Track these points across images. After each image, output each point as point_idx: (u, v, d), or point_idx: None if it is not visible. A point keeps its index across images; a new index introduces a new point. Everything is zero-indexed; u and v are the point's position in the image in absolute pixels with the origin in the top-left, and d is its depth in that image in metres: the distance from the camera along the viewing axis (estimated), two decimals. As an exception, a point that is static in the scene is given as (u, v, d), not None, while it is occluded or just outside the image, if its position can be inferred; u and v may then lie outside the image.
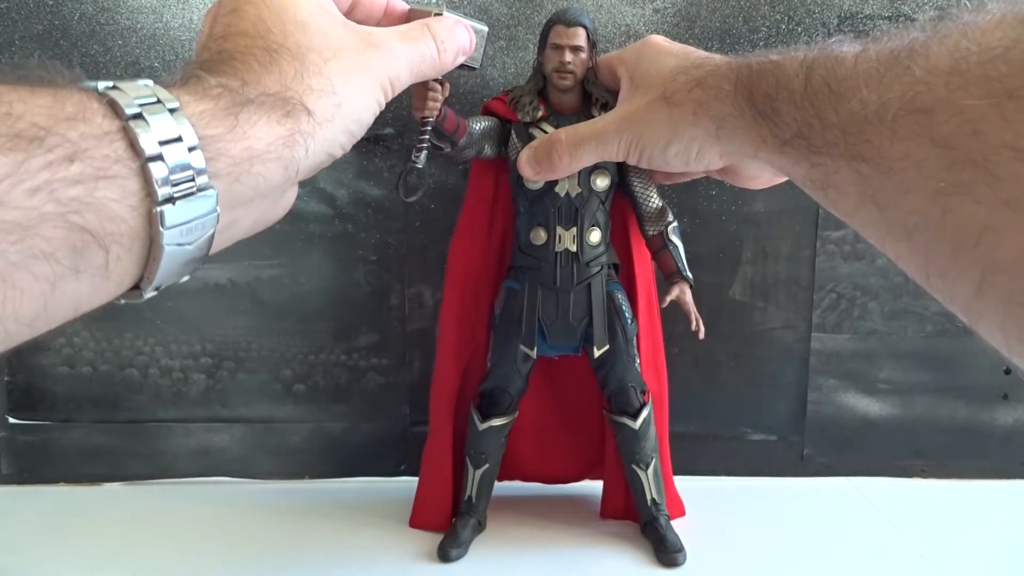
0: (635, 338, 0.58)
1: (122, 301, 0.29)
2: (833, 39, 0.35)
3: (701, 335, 0.55)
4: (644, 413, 0.57)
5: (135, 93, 0.27)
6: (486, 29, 0.49)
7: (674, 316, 0.56)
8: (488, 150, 0.56)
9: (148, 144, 0.26)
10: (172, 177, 0.26)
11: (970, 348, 0.71)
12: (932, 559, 0.57)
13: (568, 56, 0.53)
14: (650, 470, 0.58)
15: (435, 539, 0.57)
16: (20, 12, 0.65)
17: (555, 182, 0.54)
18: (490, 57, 0.66)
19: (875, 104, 0.29)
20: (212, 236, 0.29)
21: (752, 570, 0.56)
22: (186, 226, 0.27)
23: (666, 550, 0.56)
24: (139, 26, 0.66)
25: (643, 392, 0.58)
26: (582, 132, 0.48)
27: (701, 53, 0.47)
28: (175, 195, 0.26)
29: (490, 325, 0.59)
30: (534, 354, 0.56)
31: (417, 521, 0.61)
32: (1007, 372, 0.72)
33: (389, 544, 0.58)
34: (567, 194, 0.55)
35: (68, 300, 0.25)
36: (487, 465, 0.59)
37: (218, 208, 0.28)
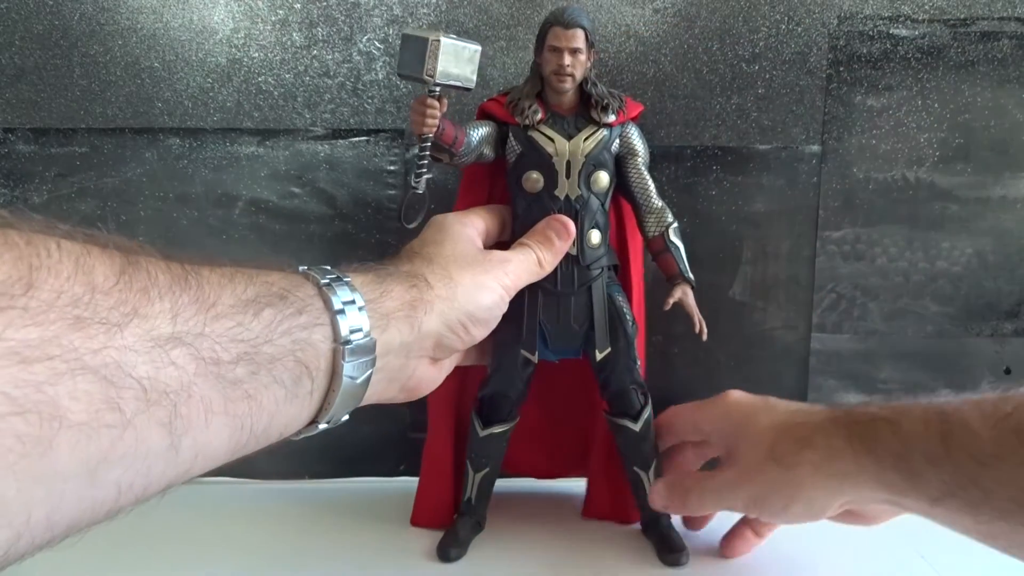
0: (635, 340, 0.57)
1: (300, 436, 0.38)
2: (940, 397, 0.42)
3: (704, 336, 0.55)
4: (645, 415, 0.57)
5: (323, 272, 0.38)
6: (479, 48, 0.49)
7: (675, 316, 0.56)
8: (487, 154, 0.55)
9: (337, 303, 0.36)
10: (351, 324, 0.36)
11: (970, 348, 0.72)
12: (932, 559, 0.57)
13: (567, 59, 0.52)
14: (651, 471, 0.58)
15: (435, 539, 0.57)
16: (20, 12, 0.65)
17: (555, 184, 0.54)
18: (490, 57, 0.66)
19: None
20: (369, 377, 0.37)
21: (752, 570, 0.56)
22: (357, 362, 0.36)
23: (669, 550, 0.56)
24: (139, 26, 0.66)
25: (643, 393, 0.57)
26: (708, 486, 0.53)
27: (788, 404, 0.52)
28: (351, 339, 0.36)
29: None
30: (535, 359, 0.56)
31: (419, 519, 0.61)
32: (1007, 372, 0.72)
33: (389, 544, 0.58)
34: (567, 197, 0.54)
35: (282, 420, 0.34)
36: (487, 469, 0.59)
37: (375, 352, 0.38)
